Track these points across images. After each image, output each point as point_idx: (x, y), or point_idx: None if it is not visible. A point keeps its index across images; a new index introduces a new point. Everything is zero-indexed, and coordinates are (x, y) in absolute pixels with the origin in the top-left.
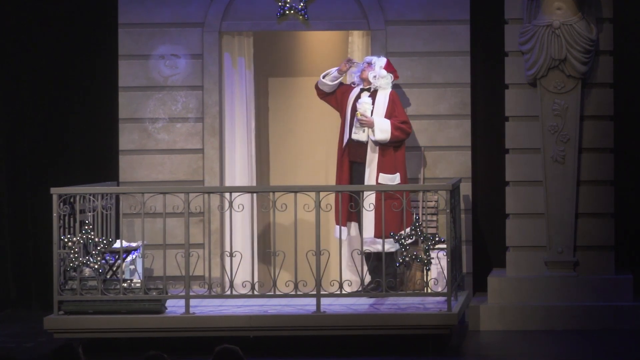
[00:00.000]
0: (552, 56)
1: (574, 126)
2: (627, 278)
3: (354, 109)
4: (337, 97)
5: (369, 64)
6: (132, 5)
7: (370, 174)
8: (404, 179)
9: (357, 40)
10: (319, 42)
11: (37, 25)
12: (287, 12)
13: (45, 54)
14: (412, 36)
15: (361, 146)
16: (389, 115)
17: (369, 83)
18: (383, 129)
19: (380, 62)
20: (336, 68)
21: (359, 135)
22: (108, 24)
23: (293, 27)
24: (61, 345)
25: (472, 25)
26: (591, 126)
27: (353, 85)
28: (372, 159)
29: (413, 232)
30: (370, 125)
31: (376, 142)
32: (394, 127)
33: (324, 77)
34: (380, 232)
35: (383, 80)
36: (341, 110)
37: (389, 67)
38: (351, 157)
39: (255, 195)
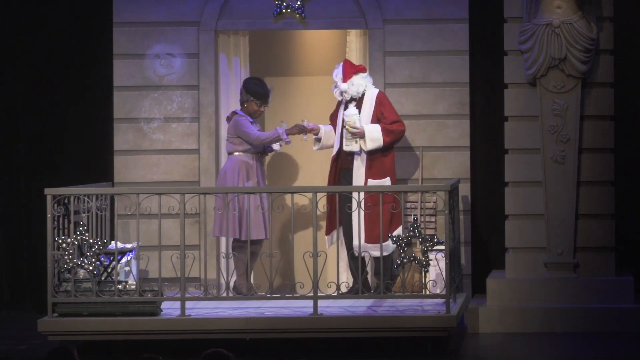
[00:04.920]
0: (552, 55)
1: (574, 126)
2: (628, 280)
3: (343, 121)
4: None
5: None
6: (127, 3)
7: (357, 181)
8: (393, 183)
9: (355, 39)
10: (316, 41)
11: (32, 25)
12: (284, 10)
13: (39, 54)
14: (410, 35)
15: (352, 153)
16: (376, 118)
17: (351, 95)
18: (374, 138)
19: (336, 75)
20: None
21: (352, 146)
22: (103, 23)
23: (290, 26)
24: (56, 348)
25: (471, 24)
26: (591, 126)
27: (340, 98)
28: (359, 166)
29: (411, 232)
30: (362, 135)
31: (370, 152)
32: (385, 133)
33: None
34: (369, 238)
35: (357, 87)
36: (333, 124)
37: (349, 70)
38: (342, 163)
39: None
